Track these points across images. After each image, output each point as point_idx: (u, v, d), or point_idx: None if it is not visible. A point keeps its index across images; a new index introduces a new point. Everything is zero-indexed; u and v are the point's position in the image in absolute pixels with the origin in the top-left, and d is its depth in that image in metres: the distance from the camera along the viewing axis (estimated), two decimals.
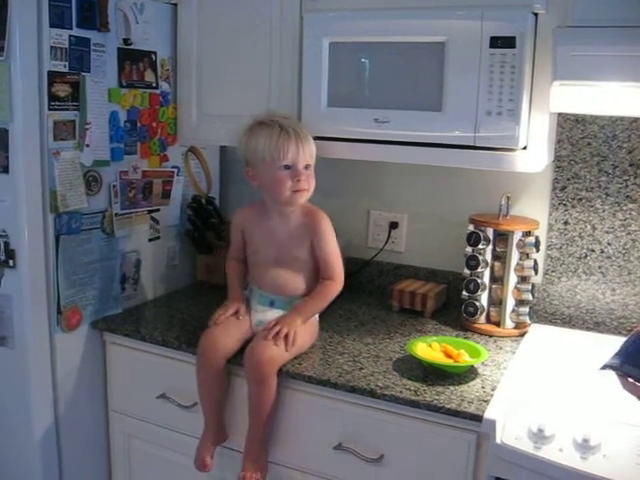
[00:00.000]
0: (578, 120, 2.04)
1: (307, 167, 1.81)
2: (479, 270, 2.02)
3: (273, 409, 1.75)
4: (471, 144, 1.76)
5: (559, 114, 2.01)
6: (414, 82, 1.82)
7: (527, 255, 1.99)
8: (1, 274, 1.86)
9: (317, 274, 1.88)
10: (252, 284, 1.93)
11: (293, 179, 1.78)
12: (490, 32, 1.69)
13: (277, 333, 1.74)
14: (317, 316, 1.93)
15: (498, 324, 2.04)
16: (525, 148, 1.75)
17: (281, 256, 1.86)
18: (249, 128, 1.83)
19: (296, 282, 1.87)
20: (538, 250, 2.00)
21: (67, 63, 1.83)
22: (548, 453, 1.46)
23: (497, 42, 1.69)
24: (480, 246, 2.00)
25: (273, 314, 1.85)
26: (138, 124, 2.10)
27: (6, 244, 1.83)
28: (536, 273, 2.01)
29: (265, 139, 1.78)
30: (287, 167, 1.78)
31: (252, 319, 1.87)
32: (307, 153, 1.80)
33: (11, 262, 1.83)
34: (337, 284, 1.86)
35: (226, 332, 1.81)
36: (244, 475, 1.77)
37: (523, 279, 2.01)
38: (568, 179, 2.08)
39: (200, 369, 1.81)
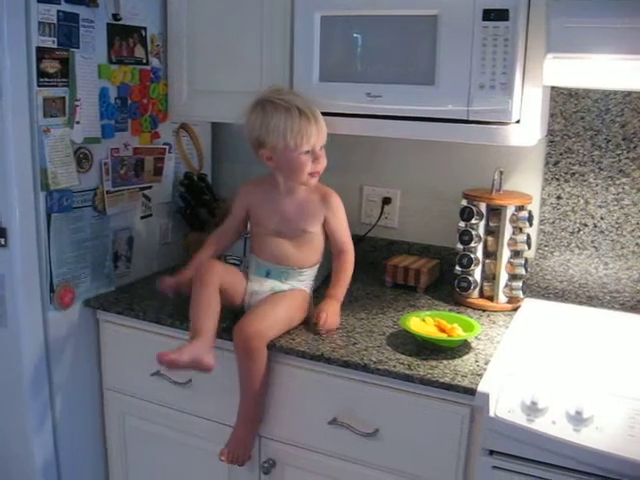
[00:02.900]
0: (571, 94, 2.03)
1: (321, 148, 1.83)
2: (472, 245, 2.02)
3: (263, 386, 1.76)
4: (464, 118, 1.75)
5: (552, 88, 2.00)
6: (406, 56, 1.80)
7: (520, 230, 1.99)
8: None
9: (318, 248, 1.91)
10: (251, 253, 1.94)
11: (313, 162, 1.80)
12: (483, 5, 1.67)
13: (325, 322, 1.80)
14: (309, 291, 1.93)
15: (491, 299, 2.04)
16: (518, 122, 1.74)
17: (284, 228, 1.87)
18: (261, 108, 1.79)
19: (295, 254, 1.88)
20: (531, 225, 2.00)
21: (56, 39, 1.81)
22: (541, 425, 1.47)
23: (490, 15, 1.67)
24: (473, 221, 2.00)
25: (268, 285, 1.87)
26: (129, 101, 2.09)
27: None
28: (529, 248, 2.01)
29: (286, 123, 1.76)
30: (307, 151, 1.79)
31: (247, 288, 1.88)
32: (323, 135, 1.82)
33: (2, 241, 1.82)
34: (351, 254, 1.93)
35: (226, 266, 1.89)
36: (224, 450, 1.79)
37: (516, 254, 2.01)
38: (561, 153, 2.08)
39: (196, 287, 1.78)
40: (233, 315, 1.84)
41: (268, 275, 1.89)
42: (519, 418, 1.49)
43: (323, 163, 1.83)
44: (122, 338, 2.03)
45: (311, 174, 1.82)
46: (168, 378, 1.93)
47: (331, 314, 1.84)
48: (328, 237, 1.92)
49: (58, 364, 1.98)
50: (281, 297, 1.85)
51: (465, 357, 1.70)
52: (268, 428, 1.84)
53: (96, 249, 2.04)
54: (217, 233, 1.97)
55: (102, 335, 2.08)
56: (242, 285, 1.88)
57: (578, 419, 1.44)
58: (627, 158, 2.00)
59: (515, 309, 2.03)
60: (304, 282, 1.91)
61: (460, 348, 1.73)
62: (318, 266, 1.94)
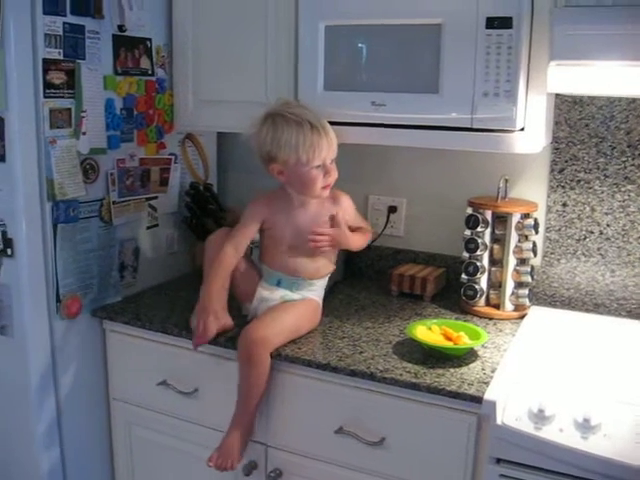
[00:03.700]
0: (576, 101, 2.03)
1: (332, 161, 1.83)
2: (478, 253, 2.02)
3: (261, 394, 1.76)
4: (468, 126, 1.75)
5: (556, 95, 2.00)
6: (410, 65, 1.81)
7: (526, 237, 1.99)
8: None
9: (330, 259, 1.94)
10: (262, 262, 1.94)
11: (324, 176, 1.81)
12: (486, 13, 1.68)
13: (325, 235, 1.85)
14: (320, 301, 1.94)
15: (498, 307, 2.04)
16: (522, 129, 1.74)
17: (299, 241, 1.86)
18: (272, 122, 1.79)
19: (307, 266, 1.88)
20: (537, 232, 1.99)
21: (62, 50, 1.82)
22: (549, 433, 1.46)
23: (493, 23, 1.68)
24: (479, 229, 2.00)
25: (279, 293, 1.87)
26: (134, 111, 2.10)
27: (4, 233, 1.82)
28: (535, 255, 2.01)
29: (297, 138, 1.76)
30: (319, 165, 1.79)
31: (256, 294, 1.89)
32: (334, 148, 1.83)
33: (9, 251, 1.83)
34: (369, 236, 2.03)
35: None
36: (213, 456, 1.78)
37: (522, 261, 2.01)
38: (566, 161, 2.07)
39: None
40: (241, 323, 1.84)
41: (279, 284, 1.89)
42: (526, 426, 1.48)
43: (334, 176, 1.84)
44: (128, 348, 2.04)
45: (323, 187, 1.83)
46: (174, 388, 1.93)
47: (333, 233, 1.87)
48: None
49: (64, 374, 1.98)
50: (291, 306, 1.86)
51: (472, 365, 1.69)
52: (274, 438, 1.84)
53: (102, 259, 2.04)
54: (234, 243, 1.87)
55: (108, 345, 2.08)
56: (254, 284, 1.90)
57: (586, 427, 1.44)
58: (632, 165, 2.00)
59: (522, 317, 2.02)
60: (315, 292, 1.92)
61: (467, 356, 1.73)
62: (329, 276, 1.96)
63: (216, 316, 1.80)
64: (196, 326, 1.80)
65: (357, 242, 1.98)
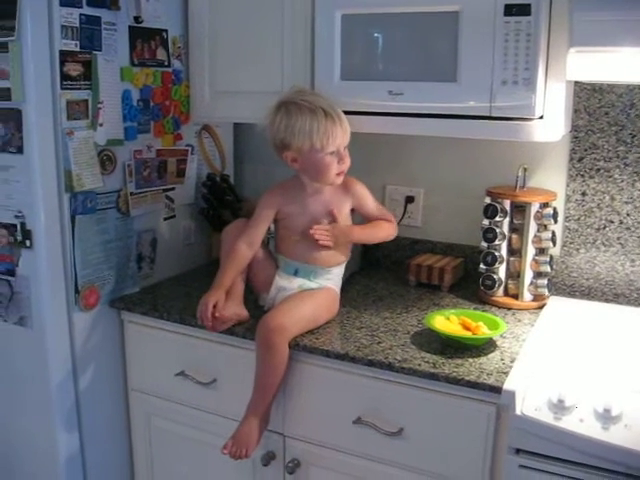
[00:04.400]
0: (595, 89, 2.01)
1: (345, 148, 1.83)
2: (496, 243, 2.00)
3: (278, 383, 1.75)
4: (487, 114, 1.74)
5: (575, 83, 1.98)
6: (428, 53, 1.80)
7: (545, 227, 1.97)
8: (18, 255, 1.87)
9: (346, 245, 1.92)
10: (279, 253, 1.94)
11: (339, 162, 1.81)
12: (504, 0, 1.66)
13: (326, 231, 1.84)
14: (338, 292, 1.94)
15: (516, 297, 2.02)
16: (542, 117, 1.72)
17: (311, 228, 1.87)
18: (285, 110, 1.79)
19: (323, 253, 1.87)
20: (556, 222, 1.97)
21: (78, 42, 1.82)
22: (569, 424, 1.45)
23: (512, 10, 1.66)
24: (497, 218, 1.98)
25: (297, 282, 1.87)
26: (151, 103, 2.10)
27: (22, 225, 1.83)
28: (554, 245, 1.99)
29: (311, 124, 1.76)
30: (332, 152, 1.79)
31: (273, 284, 1.89)
32: (347, 135, 1.83)
33: (28, 242, 1.84)
34: (393, 224, 1.96)
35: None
36: (228, 443, 1.78)
37: (541, 251, 1.99)
38: (585, 149, 2.05)
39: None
40: (259, 314, 1.84)
41: (296, 274, 1.89)
42: (546, 416, 1.47)
43: (347, 163, 1.83)
44: (146, 338, 2.04)
45: (337, 174, 1.82)
46: (192, 378, 1.94)
47: (333, 230, 1.85)
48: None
49: (83, 365, 1.99)
50: (309, 295, 1.85)
51: (490, 355, 1.69)
52: (292, 428, 1.84)
53: (120, 250, 2.05)
54: (248, 239, 1.88)
55: (127, 336, 2.09)
56: (271, 274, 1.90)
57: (606, 417, 1.42)
58: None
59: (540, 307, 2.00)
60: (332, 280, 1.91)
61: (485, 346, 1.72)
62: (345, 264, 1.95)
63: (214, 293, 1.81)
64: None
65: (368, 236, 1.96)
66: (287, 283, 1.88)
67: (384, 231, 1.95)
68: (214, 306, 1.79)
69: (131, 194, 2.05)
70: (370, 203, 1.93)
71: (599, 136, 2.03)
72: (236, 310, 1.84)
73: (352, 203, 1.90)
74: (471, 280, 2.18)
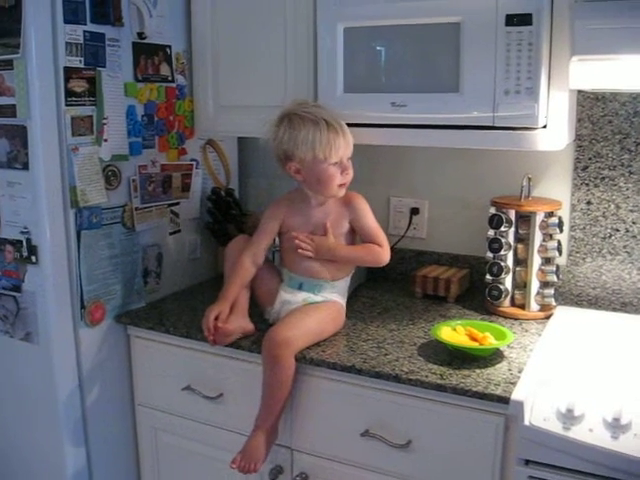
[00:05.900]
0: (598, 98, 2.01)
1: (348, 159, 1.83)
2: (502, 253, 2.00)
3: (285, 397, 1.75)
4: (490, 124, 1.74)
5: (579, 92, 1.98)
6: (430, 64, 1.80)
7: (550, 236, 1.97)
8: (24, 271, 1.87)
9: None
10: (283, 266, 1.94)
11: (342, 174, 1.81)
12: (505, 10, 1.67)
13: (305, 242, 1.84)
14: (344, 304, 1.93)
15: (523, 307, 2.02)
16: (545, 127, 1.72)
17: None
18: (288, 122, 1.80)
19: (328, 266, 1.88)
20: (561, 231, 1.97)
21: (82, 58, 1.83)
22: (578, 433, 1.44)
23: (513, 20, 1.66)
24: (502, 228, 1.98)
25: (301, 296, 1.87)
26: (155, 118, 2.11)
27: (28, 241, 1.84)
28: (560, 254, 1.98)
29: (314, 135, 1.77)
30: (335, 163, 1.79)
31: (278, 298, 1.89)
32: (350, 146, 1.83)
33: (34, 258, 1.84)
34: (384, 250, 1.90)
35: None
36: (236, 458, 1.77)
37: (547, 261, 1.99)
38: (590, 158, 2.05)
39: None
40: (264, 327, 1.84)
41: (301, 287, 1.89)
42: (555, 426, 1.46)
43: (350, 174, 1.84)
44: (153, 353, 2.04)
45: (340, 185, 1.83)
46: (199, 392, 1.93)
47: (316, 242, 1.85)
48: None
49: (90, 380, 1.99)
50: (314, 308, 1.85)
51: (498, 366, 1.68)
52: (300, 441, 1.83)
53: (126, 265, 2.05)
54: (252, 252, 1.89)
55: (133, 350, 2.09)
56: (276, 288, 1.90)
57: (616, 426, 1.41)
58: None
59: (547, 317, 2.00)
60: (338, 293, 1.91)
61: (493, 357, 1.71)
62: (351, 276, 1.95)
63: (217, 305, 1.82)
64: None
65: (355, 257, 1.92)
66: (292, 297, 1.88)
67: (373, 255, 1.90)
68: (216, 318, 1.79)
69: (136, 209, 2.06)
70: (367, 221, 1.89)
71: (603, 145, 2.03)
72: (241, 323, 1.84)
73: (349, 216, 1.89)
74: (477, 291, 2.17)
